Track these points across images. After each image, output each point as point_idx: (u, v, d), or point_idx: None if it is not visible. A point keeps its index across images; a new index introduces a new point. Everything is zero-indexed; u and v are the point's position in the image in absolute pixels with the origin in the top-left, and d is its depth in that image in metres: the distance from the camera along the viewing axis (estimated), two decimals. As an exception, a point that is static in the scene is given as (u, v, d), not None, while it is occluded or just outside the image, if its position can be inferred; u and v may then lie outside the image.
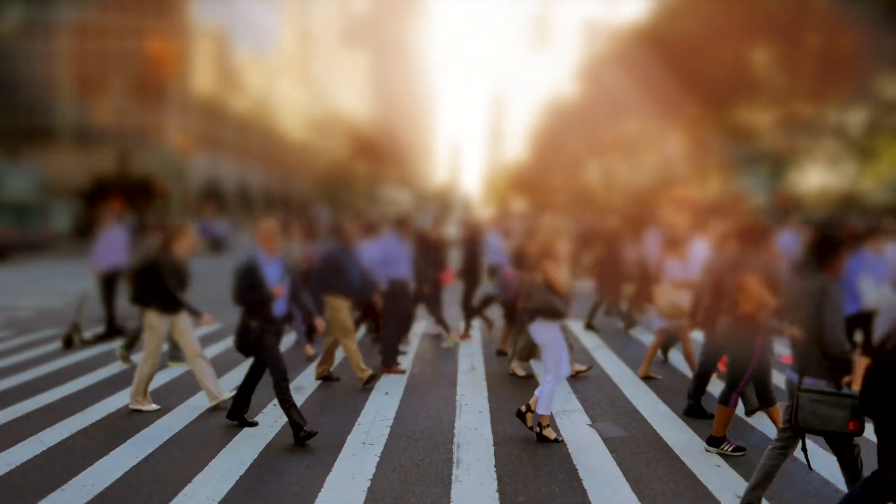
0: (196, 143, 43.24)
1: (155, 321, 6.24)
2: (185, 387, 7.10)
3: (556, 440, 5.34)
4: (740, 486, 4.50)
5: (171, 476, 4.67)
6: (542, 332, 5.38)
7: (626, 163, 46.79)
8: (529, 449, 5.20)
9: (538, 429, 5.39)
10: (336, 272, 7.00)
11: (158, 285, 6.14)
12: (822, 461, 4.96)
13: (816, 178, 35.53)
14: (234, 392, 6.05)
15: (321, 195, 58.52)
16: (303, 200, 56.24)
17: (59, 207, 37.64)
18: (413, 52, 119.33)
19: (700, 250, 7.33)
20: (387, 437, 5.47)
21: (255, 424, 5.73)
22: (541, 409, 5.36)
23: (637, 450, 5.19)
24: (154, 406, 6.30)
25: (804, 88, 33.31)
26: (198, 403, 6.46)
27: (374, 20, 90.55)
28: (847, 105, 32.24)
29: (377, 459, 4.96)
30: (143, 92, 40.85)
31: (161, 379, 7.43)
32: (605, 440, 5.39)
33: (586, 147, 49.57)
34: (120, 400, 6.60)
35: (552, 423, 5.84)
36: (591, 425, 5.78)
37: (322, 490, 4.42)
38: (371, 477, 4.63)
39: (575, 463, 4.91)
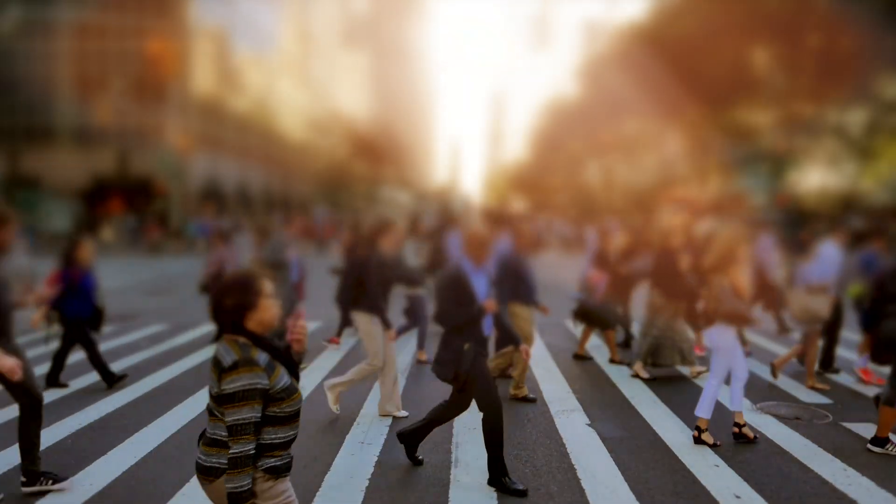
0: (196, 143, 43.23)
1: (365, 323, 5.89)
2: (184, 387, 7.10)
3: (714, 444, 5.27)
4: (739, 485, 4.50)
5: (170, 476, 4.66)
6: (722, 336, 5.32)
7: (626, 163, 46.80)
8: (528, 449, 5.20)
9: (696, 433, 5.36)
10: (514, 278, 6.55)
11: (365, 285, 5.84)
12: (822, 461, 4.96)
13: (816, 178, 35.52)
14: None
15: (321, 195, 58.51)
16: (303, 200, 56.24)
17: (59, 207, 37.68)
18: (413, 52, 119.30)
19: (830, 252, 7.25)
20: (385, 437, 5.46)
21: (523, 494, 4.41)
22: (702, 412, 5.33)
23: (636, 449, 5.19)
24: (403, 412, 6.02)
25: (804, 88, 33.31)
26: (196, 403, 6.46)
27: (374, 20, 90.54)
28: (847, 105, 32.23)
29: (375, 459, 4.96)
30: (143, 92, 40.83)
31: (159, 379, 7.43)
32: (604, 440, 5.39)
33: (586, 147, 49.61)
34: (118, 400, 6.60)
35: (553, 423, 5.83)
36: (589, 425, 5.77)
37: (320, 490, 4.42)
38: (369, 477, 4.62)
39: (573, 462, 4.90)
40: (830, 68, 30.41)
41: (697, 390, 6.93)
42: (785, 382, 7.25)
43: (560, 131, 54.65)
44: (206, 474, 2.57)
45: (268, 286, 2.61)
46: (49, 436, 5.52)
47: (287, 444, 2.62)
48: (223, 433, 2.53)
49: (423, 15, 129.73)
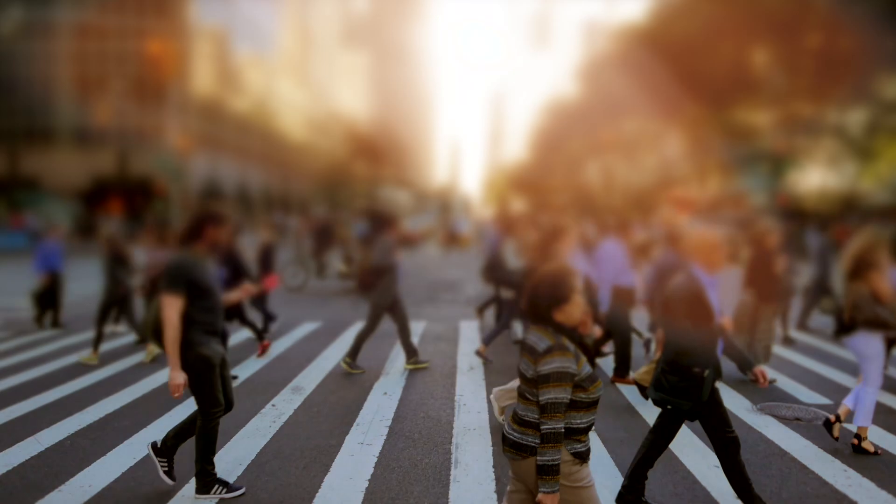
0: (196, 143, 43.21)
1: None
2: (184, 387, 7.09)
3: (875, 453, 5.11)
4: (739, 486, 4.49)
5: (169, 477, 4.65)
6: (867, 343, 5.20)
7: (626, 163, 46.80)
8: (528, 449, 5.19)
9: (856, 440, 5.18)
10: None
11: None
12: (822, 462, 4.95)
13: (816, 178, 35.52)
14: None
15: (321, 195, 58.53)
16: (302, 200, 56.27)
17: (59, 208, 37.68)
18: (413, 52, 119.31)
19: None
20: (385, 437, 5.46)
21: None
22: (861, 421, 5.14)
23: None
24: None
25: (804, 88, 33.30)
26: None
27: (374, 20, 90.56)
28: (847, 105, 32.23)
29: (375, 460, 4.95)
30: (143, 92, 40.85)
31: (159, 379, 7.43)
32: (604, 440, 5.38)
33: (586, 147, 49.58)
34: (118, 400, 6.59)
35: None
36: (589, 425, 5.76)
37: (320, 490, 4.42)
38: (369, 477, 4.62)
39: (573, 463, 4.89)
40: (830, 68, 30.40)
41: (697, 391, 6.92)
42: (785, 383, 7.24)
43: (560, 131, 54.64)
44: (519, 450, 2.84)
45: (578, 283, 2.88)
46: (49, 436, 5.52)
47: (587, 430, 2.84)
48: (534, 415, 2.81)
49: (423, 15, 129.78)
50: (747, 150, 36.07)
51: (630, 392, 6.85)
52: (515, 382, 5.74)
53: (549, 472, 2.70)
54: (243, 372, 7.75)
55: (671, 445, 5.25)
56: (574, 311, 2.83)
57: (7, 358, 8.78)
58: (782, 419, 5.95)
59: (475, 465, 4.85)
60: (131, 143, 40.80)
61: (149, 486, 4.51)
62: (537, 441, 2.78)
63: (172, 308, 4.04)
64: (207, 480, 4.32)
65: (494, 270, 9.11)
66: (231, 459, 4.97)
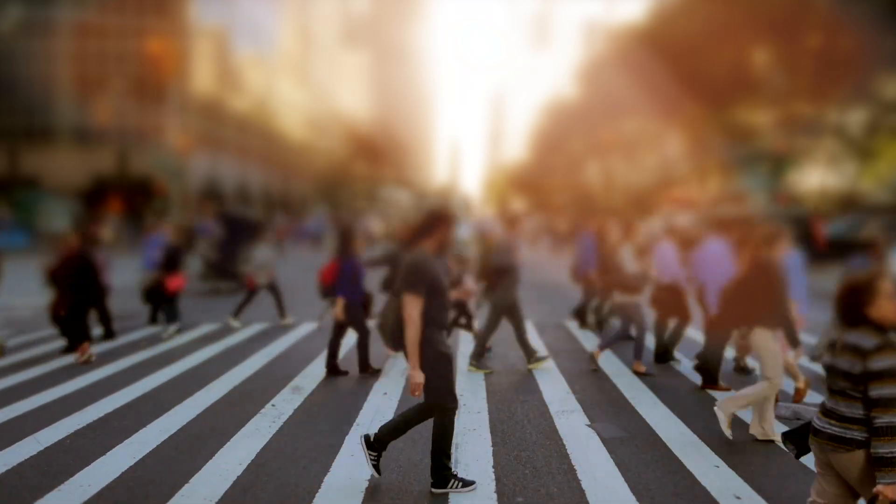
0: (196, 143, 43.19)
1: (762, 339, 5.43)
2: (184, 387, 7.09)
3: None
4: (739, 486, 4.49)
5: (169, 476, 4.65)
6: None
7: (626, 163, 46.80)
8: (528, 449, 5.19)
9: None
10: None
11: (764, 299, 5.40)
12: (822, 461, 4.95)
13: (816, 178, 35.50)
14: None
15: (321, 195, 58.55)
16: (302, 200, 56.30)
17: (59, 207, 37.68)
18: (413, 52, 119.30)
19: None
20: (385, 437, 5.45)
21: None
22: None
23: (636, 450, 5.18)
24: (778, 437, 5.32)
25: (804, 88, 33.29)
26: (195, 403, 6.45)
27: (374, 20, 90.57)
28: (847, 105, 32.22)
29: (375, 460, 4.95)
30: (143, 92, 40.83)
31: (158, 379, 7.43)
32: (604, 440, 5.38)
33: (586, 147, 49.58)
34: (118, 400, 6.59)
35: (553, 423, 5.83)
36: (589, 425, 5.76)
37: (320, 490, 4.42)
38: (369, 477, 4.61)
39: (573, 463, 4.89)
40: (830, 68, 30.39)
41: (697, 390, 6.92)
42: (784, 383, 7.23)
43: (560, 131, 54.64)
44: (842, 443, 2.96)
45: (886, 287, 2.96)
46: (47, 436, 5.52)
47: None
48: (859, 412, 2.91)
49: (423, 15, 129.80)
50: (747, 150, 36.06)
51: (630, 391, 6.85)
52: (745, 390, 5.50)
53: (888, 464, 2.79)
54: (243, 371, 7.75)
55: (671, 445, 5.25)
56: (880, 312, 2.92)
57: (7, 357, 8.78)
58: (782, 418, 5.94)
59: (475, 465, 4.85)
60: (131, 142, 40.78)
61: (149, 485, 4.51)
62: (864, 435, 2.88)
63: (415, 307, 4.12)
64: (444, 474, 4.38)
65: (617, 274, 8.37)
66: (231, 459, 4.96)
